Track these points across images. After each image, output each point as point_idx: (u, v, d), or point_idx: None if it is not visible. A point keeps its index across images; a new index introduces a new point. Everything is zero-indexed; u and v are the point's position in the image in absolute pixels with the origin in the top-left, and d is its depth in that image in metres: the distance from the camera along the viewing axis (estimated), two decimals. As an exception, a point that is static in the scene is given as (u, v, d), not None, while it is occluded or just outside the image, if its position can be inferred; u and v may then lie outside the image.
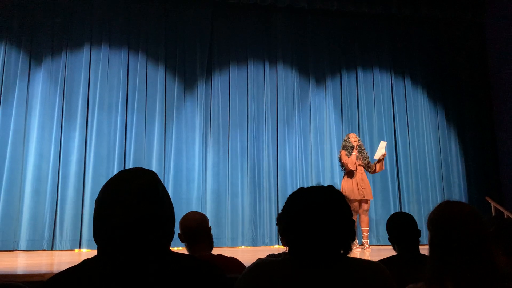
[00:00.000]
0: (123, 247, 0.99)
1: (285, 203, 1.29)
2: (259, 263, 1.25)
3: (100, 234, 1.03)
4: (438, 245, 1.29)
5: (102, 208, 1.04)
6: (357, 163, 5.94)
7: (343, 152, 6.04)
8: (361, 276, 1.18)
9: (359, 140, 6.13)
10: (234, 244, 6.46)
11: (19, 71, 6.22)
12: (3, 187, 5.84)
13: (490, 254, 1.23)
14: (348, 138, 6.11)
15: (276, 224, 1.91)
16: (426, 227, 1.38)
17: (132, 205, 1.01)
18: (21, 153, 6.03)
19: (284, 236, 1.25)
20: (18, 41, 6.32)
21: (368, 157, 6.15)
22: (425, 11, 7.47)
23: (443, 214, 1.32)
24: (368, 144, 7.11)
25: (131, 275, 0.97)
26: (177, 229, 2.06)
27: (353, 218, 1.25)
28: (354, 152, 5.93)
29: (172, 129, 6.67)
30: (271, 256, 2.45)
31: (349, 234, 1.22)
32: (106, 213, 1.03)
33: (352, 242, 1.23)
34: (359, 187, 5.83)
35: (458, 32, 7.88)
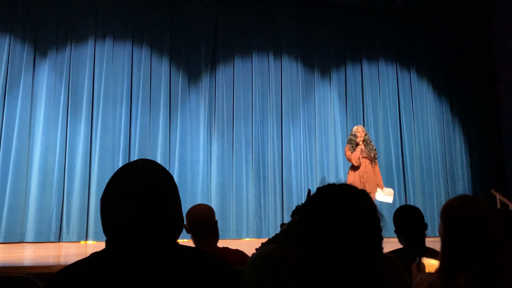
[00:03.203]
0: (128, 243, 1.00)
1: (311, 201, 1.18)
2: (269, 254, 1.19)
3: (105, 230, 1.04)
4: (452, 240, 1.28)
5: (104, 206, 1.05)
6: (361, 156, 5.86)
7: (347, 147, 5.98)
8: (377, 270, 1.14)
9: (366, 134, 5.97)
10: (238, 236, 6.48)
11: (24, 64, 6.23)
12: (9, 179, 5.87)
13: (503, 251, 1.23)
14: (354, 132, 5.97)
15: (291, 216, 1.72)
16: (439, 217, 1.36)
17: (130, 208, 1.00)
18: (27, 146, 6.06)
19: (303, 239, 1.14)
20: (23, 34, 6.32)
21: (375, 150, 6.04)
22: (430, 3, 7.40)
23: (461, 210, 1.29)
24: (373, 137, 7.06)
25: (139, 269, 0.98)
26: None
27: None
28: (359, 148, 5.86)
29: (177, 122, 6.68)
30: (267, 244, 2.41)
31: (377, 248, 1.13)
32: (108, 211, 1.04)
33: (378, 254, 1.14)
34: (361, 179, 5.77)
35: (463, 24, 7.80)
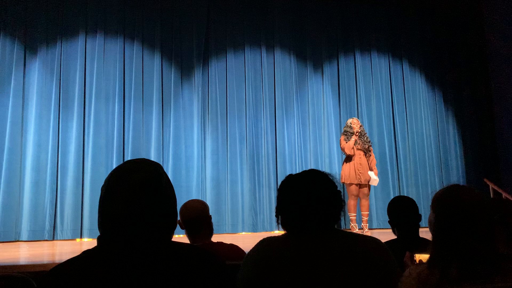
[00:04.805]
0: (123, 238, 1.00)
1: (278, 189, 1.48)
2: (263, 239, 1.36)
3: (101, 224, 1.05)
4: (444, 230, 1.28)
5: (104, 199, 1.06)
6: (355, 148, 5.91)
7: (342, 137, 6.05)
8: (358, 248, 1.25)
9: (360, 126, 6.04)
10: (234, 231, 6.50)
11: (14, 61, 6.15)
12: (2, 178, 5.82)
13: (495, 240, 1.23)
14: (349, 124, 6.03)
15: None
16: (430, 208, 1.36)
17: (132, 199, 1.02)
18: (19, 144, 6.01)
19: (281, 214, 1.39)
20: (12, 31, 6.23)
21: (370, 142, 6.10)
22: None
23: (453, 200, 1.29)
24: (367, 128, 7.10)
25: (131, 266, 0.98)
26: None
27: (341, 195, 1.39)
28: (353, 138, 5.90)
29: (170, 117, 6.65)
30: None
31: (335, 204, 1.35)
32: (107, 205, 1.05)
33: (340, 211, 1.36)
34: (356, 171, 5.83)
35: (455, 14, 7.82)
